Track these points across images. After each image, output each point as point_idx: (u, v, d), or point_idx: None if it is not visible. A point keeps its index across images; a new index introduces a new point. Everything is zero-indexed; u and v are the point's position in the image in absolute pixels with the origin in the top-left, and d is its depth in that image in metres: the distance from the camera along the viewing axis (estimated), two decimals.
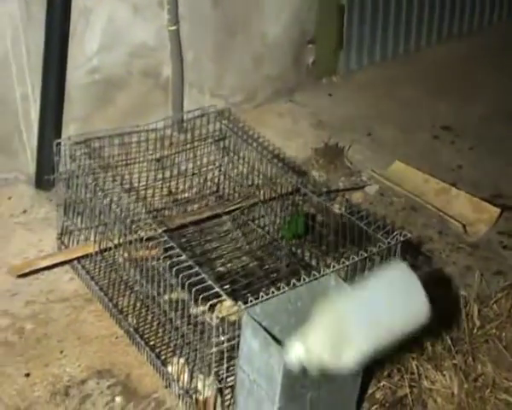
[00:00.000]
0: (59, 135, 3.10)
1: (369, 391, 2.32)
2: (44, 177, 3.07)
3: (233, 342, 2.04)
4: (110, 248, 2.56)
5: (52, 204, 3.04)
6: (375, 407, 2.29)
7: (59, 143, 2.65)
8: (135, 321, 2.51)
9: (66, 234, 2.80)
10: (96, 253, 2.65)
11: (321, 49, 4.18)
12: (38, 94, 3.08)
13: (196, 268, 2.13)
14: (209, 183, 3.22)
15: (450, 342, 2.45)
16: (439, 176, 3.44)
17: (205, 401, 2.17)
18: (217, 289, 2.07)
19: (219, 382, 2.17)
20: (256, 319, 1.97)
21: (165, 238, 2.27)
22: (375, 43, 4.49)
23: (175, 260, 2.15)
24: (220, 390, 2.19)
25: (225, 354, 2.04)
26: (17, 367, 2.36)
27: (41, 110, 3.10)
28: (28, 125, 3.13)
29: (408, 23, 4.62)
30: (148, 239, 2.26)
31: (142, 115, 3.49)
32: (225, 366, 2.07)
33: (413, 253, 2.89)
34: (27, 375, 2.33)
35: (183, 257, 2.17)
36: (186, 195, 3.18)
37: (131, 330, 2.46)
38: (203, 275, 2.10)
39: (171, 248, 2.22)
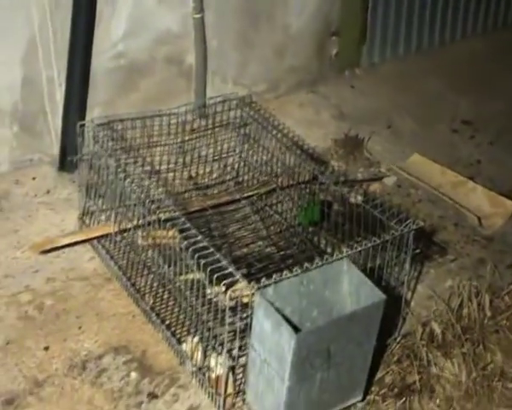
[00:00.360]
0: (83, 118, 3.16)
1: (378, 375, 2.36)
2: (68, 158, 3.14)
3: (246, 322, 2.09)
4: (130, 229, 2.61)
5: (74, 185, 3.11)
6: (384, 391, 2.32)
7: (82, 125, 2.72)
8: (152, 301, 2.57)
9: (88, 215, 2.89)
10: (116, 233, 2.70)
11: (344, 41, 4.21)
12: (64, 77, 3.15)
13: (212, 249, 2.17)
14: (229, 168, 3.27)
15: (460, 330, 2.49)
16: (457, 170, 3.46)
17: (217, 379, 2.22)
18: (231, 270, 2.11)
19: (232, 360, 2.22)
20: (268, 300, 2.01)
21: (183, 220, 2.31)
22: (399, 37, 4.50)
23: (191, 240, 2.19)
24: (232, 369, 2.24)
25: (238, 334, 2.10)
26: (36, 341, 2.43)
27: (66, 93, 3.17)
28: (53, 108, 3.21)
29: (432, 18, 4.62)
30: (167, 221, 2.30)
31: (164, 102, 3.53)
32: (238, 345, 2.12)
33: (427, 243, 2.93)
34: (46, 348, 2.41)
35: (199, 238, 2.21)
36: (206, 180, 3.23)
37: (148, 309, 2.53)
38: (218, 255, 2.15)
39: (188, 229, 2.26)
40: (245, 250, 2.87)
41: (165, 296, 2.57)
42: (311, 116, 3.92)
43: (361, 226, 2.54)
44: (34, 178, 3.21)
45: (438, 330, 2.51)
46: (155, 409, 2.23)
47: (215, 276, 2.07)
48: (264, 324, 1.99)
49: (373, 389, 2.32)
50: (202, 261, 2.10)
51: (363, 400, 2.22)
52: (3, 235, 2.88)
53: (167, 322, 2.49)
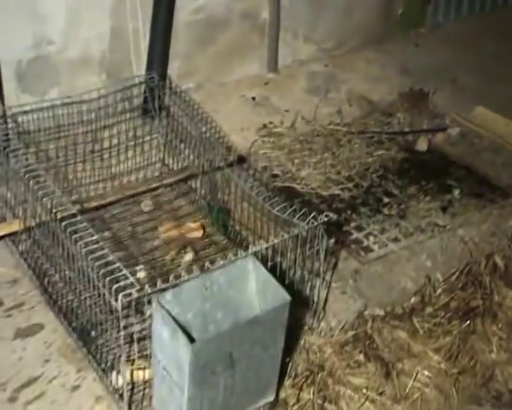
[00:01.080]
0: (165, 68, 3.40)
1: (444, 300, 2.54)
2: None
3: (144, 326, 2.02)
4: (32, 228, 2.39)
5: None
6: (449, 314, 2.50)
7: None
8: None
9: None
10: (22, 231, 2.50)
11: (410, 1, 4.36)
12: (148, 29, 3.37)
13: (105, 250, 2.00)
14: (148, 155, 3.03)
15: None
16: None
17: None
18: (125, 272, 1.93)
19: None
20: (166, 306, 1.88)
21: (79, 219, 2.11)
22: None
23: (88, 240, 2.03)
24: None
25: (135, 341, 1.98)
26: None
27: (150, 44, 3.40)
28: (138, 58, 3.43)
29: None
30: (63, 219, 2.11)
31: (239, 55, 3.79)
32: (136, 350, 2.00)
33: (491, 189, 3.09)
34: None
35: (94, 238, 2.04)
36: (123, 167, 2.95)
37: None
38: (112, 257, 1.98)
39: (85, 229, 2.08)
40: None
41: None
42: (377, 72, 4.08)
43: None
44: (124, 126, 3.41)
45: (500, 262, 2.68)
46: None
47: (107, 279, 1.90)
48: (163, 332, 1.86)
49: (439, 313, 2.50)
50: (95, 264, 1.95)
51: (275, 399, 2.11)
52: None
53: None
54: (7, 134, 2.42)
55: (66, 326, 2.28)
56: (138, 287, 1.88)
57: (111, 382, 2.09)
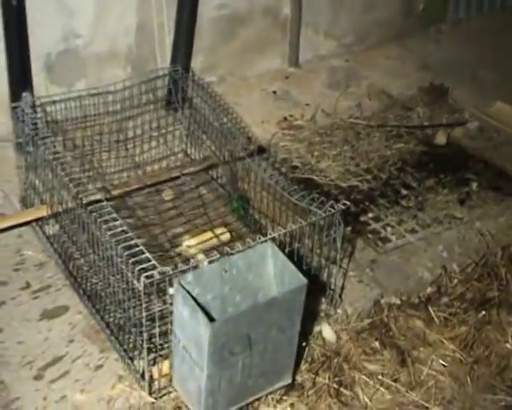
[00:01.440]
0: (189, 61, 3.47)
1: (459, 290, 2.58)
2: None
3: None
4: (60, 213, 2.46)
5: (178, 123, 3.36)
6: (465, 304, 2.54)
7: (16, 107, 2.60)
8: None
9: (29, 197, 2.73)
10: (49, 217, 2.56)
11: None
12: (173, 24, 3.44)
13: (129, 234, 2.06)
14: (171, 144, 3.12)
15: None
16: None
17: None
18: (147, 255, 2.00)
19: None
20: (187, 287, 1.94)
21: (105, 204, 2.18)
22: None
23: (112, 224, 2.10)
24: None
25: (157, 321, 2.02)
26: None
27: (174, 39, 3.47)
28: (162, 52, 3.50)
29: None
30: (89, 204, 2.18)
31: (261, 50, 3.85)
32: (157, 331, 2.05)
33: (509, 182, 3.13)
34: None
35: (118, 223, 2.11)
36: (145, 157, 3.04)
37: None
38: (135, 241, 2.05)
39: (110, 213, 2.15)
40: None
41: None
42: (397, 67, 4.12)
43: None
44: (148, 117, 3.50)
45: None
46: None
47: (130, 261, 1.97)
48: (183, 311, 1.91)
49: (455, 303, 2.54)
50: (120, 246, 2.02)
51: (292, 382, 2.16)
52: None
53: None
54: (35, 123, 2.49)
55: (90, 308, 2.35)
56: (160, 269, 1.93)
57: (132, 362, 2.16)
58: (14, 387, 2.12)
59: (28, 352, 2.23)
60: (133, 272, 1.94)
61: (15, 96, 2.89)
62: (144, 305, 1.96)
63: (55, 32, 3.16)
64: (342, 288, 2.54)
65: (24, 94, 2.80)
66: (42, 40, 3.09)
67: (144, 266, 1.94)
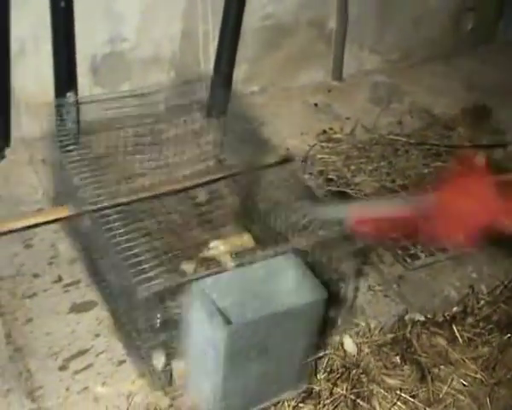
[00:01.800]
0: (232, 70, 3.53)
1: (486, 312, 2.57)
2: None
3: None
4: (80, 214, 2.50)
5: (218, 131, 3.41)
6: (490, 326, 2.53)
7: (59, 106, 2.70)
8: None
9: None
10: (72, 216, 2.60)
11: (480, 16, 4.37)
12: (218, 32, 3.50)
13: (135, 242, 2.13)
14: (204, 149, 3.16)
15: None
16: None
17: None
18: (150, 264, 2.06)
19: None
20: (206, 290, 1.98)
21: (107, 212, 2.26)
22: None
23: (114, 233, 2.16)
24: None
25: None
26: None
27: (218, 47, 3.52)
28: (206, 59, 3.57)
29: None
30: (98, 210, 2.27)
31: (304, 62, 3.89)
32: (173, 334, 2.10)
33: None
34: None
35: (122, 230, 2.17)
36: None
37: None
38: (139, 249, 2.11)
39: (117, 220, 2.22)
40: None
41: None
42: (442, 86, 4.11)
43: None
44: (184, 121, 3.58)
45: None
46: None
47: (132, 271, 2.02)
48: (201, 314, 1.95)
49: (480, 324, 2.52)
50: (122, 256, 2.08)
51: (310, 390, 2.20)
52: None
53: None
54: (77, 121, 2.57)
55: (112, 306, 2.41)
56: (162, 280, 1.98)
57: (150, 361, 2.19)
58: (38, 376, 2.19)
59: (55, 343, 2.30)
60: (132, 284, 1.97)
61: (60, 95, 2.98)
62: (162, 307, 2.01)
63: (102, 34, 3.24)
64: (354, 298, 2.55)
65: (68, 94, 2.90)
66: (88, 42, 3.17)
67: (144, 276, 1.98)
